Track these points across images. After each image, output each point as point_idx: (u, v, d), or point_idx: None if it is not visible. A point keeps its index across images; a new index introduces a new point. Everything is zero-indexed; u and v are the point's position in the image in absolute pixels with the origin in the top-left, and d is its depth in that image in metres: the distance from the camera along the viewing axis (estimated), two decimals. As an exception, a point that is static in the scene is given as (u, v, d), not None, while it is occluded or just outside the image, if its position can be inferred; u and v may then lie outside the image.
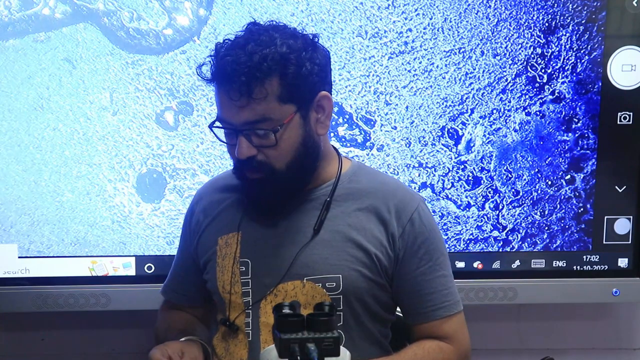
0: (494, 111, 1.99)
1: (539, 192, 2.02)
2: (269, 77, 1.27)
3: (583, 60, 1.97)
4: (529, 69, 1.97)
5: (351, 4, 1.92)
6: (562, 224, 2.04)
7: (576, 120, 2.00)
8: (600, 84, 1.98)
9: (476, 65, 1.96)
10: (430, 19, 1.94)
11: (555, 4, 1.94)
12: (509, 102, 1.98)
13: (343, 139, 1.98)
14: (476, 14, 1.94)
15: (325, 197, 1.41)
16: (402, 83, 1.96)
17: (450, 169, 2.01)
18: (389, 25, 1.94)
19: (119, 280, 2.01)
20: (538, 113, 1.99)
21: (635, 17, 1.96)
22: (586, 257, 2.05)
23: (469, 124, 1.99)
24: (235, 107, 1.29)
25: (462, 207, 2.03)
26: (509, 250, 2.05)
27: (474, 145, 2.00)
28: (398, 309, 1.49)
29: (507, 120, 1.99)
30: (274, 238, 1.41)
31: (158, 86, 1.94)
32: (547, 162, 2.01)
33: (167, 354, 1.32)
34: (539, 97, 1.98)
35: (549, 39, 1.95)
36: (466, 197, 2.02)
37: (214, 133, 1.36)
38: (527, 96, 1.98)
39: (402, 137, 1.99)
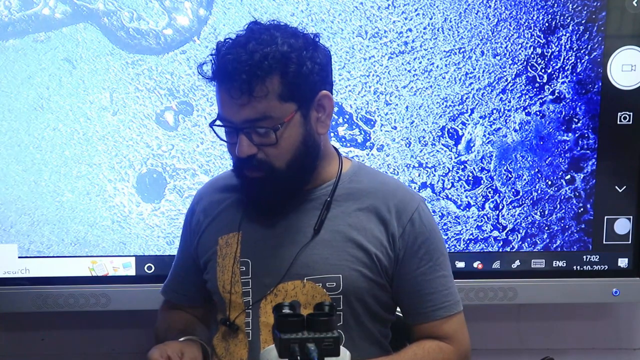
0: (494, 111, 1.99)
1: (539, 192, 2.02)
2: (270, 75, 1.28)
3: (583, 60, 1.97)
4: (529, 69, 1.97)
5: (351, 4, 1.93)
6: (562, 224, 2.04)
7: (576, 120, 2.00)
8: (600, 84, 1.98)
9: (476, 65, 1.96)
10: (430, 19, 1.94)
11: (555, 4, 1.94)
12: (509, 102, 1.98)
13: (343, 139, 1.98)
14: (476, 14, 1.94)
15: (325, 197, 1.41)
16: (402, 83, 1.96)
17: (450, 169, 2.01)
18: (389, 25, 1.94)
19: (119, 280, 2.01)
20: (538, 113, 1.99)
21: (635, 17, 1.96)
22: (586, 257, 2.05)
23: (469, 124, 1.99)
24: (236, 105, 1.29)
25: (462, 207, 2.03)
26: (509, 250, 2.05)
27: (474, 145, 2.00)
28: (398, 309, 1.49)
29: (507, 120, 1.99)
30: (274, 238, 1.41)
31: (158, 86, 1.94)
32: (547, 162, 2.01)
33: (166, 354, 1.32)
34: (539, 97, 1.98)
35: (549, 39, 1.95)
36: (466, 197, 2.02)
37: (215, 132, 1.36)
38: (527, 96, 1.98)
39: (402, 137, 1.99)
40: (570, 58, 1.96)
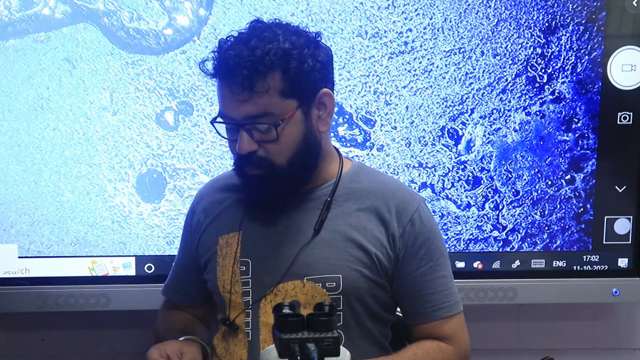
0: (494, 111, 1.99)
1: (539, 192, 2.02)
2: (271, 71, 1.28)
3: (583, 60, 1.97)
4: (529, 69, 1.97)
5: (351, 4, 1.93)
6: (562, 224, 2.04)
7: (576, 120, 2.00)
8: (600, 84, 1.98)
9: (476, 65, 1.96)
10: (430, 19, 1.94)
11: (555, 4, 1.94)
12: (509, 102, 1.98)
13: (343, 139, 1.98)
14: (476, 14, 1.94)
15: (326, 196, 1.41)
16: (402, 83, 1.96)
17: (450, 169, 2.01)
18: (389, 25, 1.94)
19: (119, 280, 2.01)
20: (538, 113, 1.99)
21: (635, 17, 1.96)
22: (586, 257, 2.05)
23: (469, 124, 1.99)
24: (237, 101, 1.29)
25: (462, 207, 2.03)
26: (509, 250, 2.05)
27: (474, 145, 2.00)
28: (398, 309, 1.49)
29: (507, 120, 1.99)
30: (274, 237, 1.41)
31: (158, 86, 1.94)
32: (547, 162, 2.01)
33: (166, 354, 1.32)
34: (539, 97, 1.98)
35: (549, 39, 1.95)
36: (466, 197, 2.02)
37: (215, 129, 1.36)
38: (527, 96, 1.98)
39: (402, 137, 1.99)
40: (570, 58, 1.96)
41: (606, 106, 1.99)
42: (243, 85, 1.27)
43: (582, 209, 2.03)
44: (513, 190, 2.02)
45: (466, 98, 1.98)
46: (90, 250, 2.00)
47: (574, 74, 1.97)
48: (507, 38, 1.95)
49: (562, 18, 1.94)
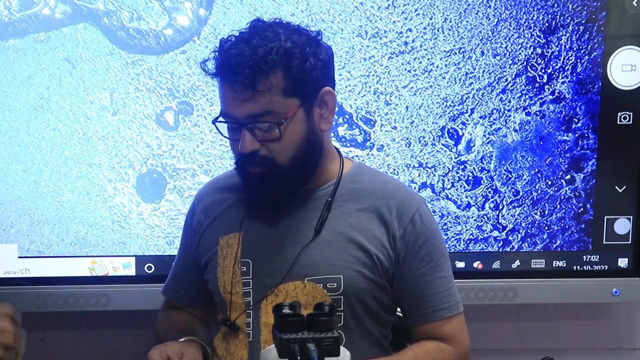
0: (494, 111, 1.99)
1: (539, 192, 2.02)
2: (273, 69, 1.28)
3: (583, 60, 1.97)
4: (529, 69, 1.97)
5: (351, 4, 1.92)
6: (562, 224, 2.04)
7: (576, 120, 2.00)
8: (600, 84, 1.98)
9: (476, 65, 1.96)
10: (430, 19, 1.94)
11: (555, 4, 1.94)
12: (509, 102, 1.98)
13: (343, 139, 1.98)
14: (476, 14, 1.94)
15: (326, 197, 1.41)
16: (402, 83, 1.96)
17: (450, 169, 2.01)
18: (389, 25, 1.94)
19: (119, 280, 2.01)
20: (538, 113, 1.99)
21: (635, 17, 1.96)
22: (586, 257, 2.05)
23: (469, 124, 1.99)
24: (239, 100, 1.29)
25: (462, 207, 2.03)
26: (509, 250, 2.05)
27: (474, 145, 2.00)
28: (398, 309, 1.49)
29: (507, 120, 1.99)
30: (275, 238, 1.41)
31: (158, 86, 1.94)
32: (547, 162, 2.01)
33: (166, 355, 1.32)
34: (539, 97, 1.98)
35: (549, 39, 1.95)
36: (466, 197, 2.02)
37: (217, 129, 1.36)
38: (527, 96, 1.98)
39: (402, 137, 1.99)
40: (570, 58, 1.96)
41: (606, 106, 1.98)
42: (245, 84, 1.28)
43: (582, 209, 2.03)
44: (513, 190, 2.02)
45: (466, 98, 1.98)
46: (90, 250, 2.00)
47: (574, 74, 1.97)
48: (507, 38, 1.95)
49: (562, 18, 1.94)
